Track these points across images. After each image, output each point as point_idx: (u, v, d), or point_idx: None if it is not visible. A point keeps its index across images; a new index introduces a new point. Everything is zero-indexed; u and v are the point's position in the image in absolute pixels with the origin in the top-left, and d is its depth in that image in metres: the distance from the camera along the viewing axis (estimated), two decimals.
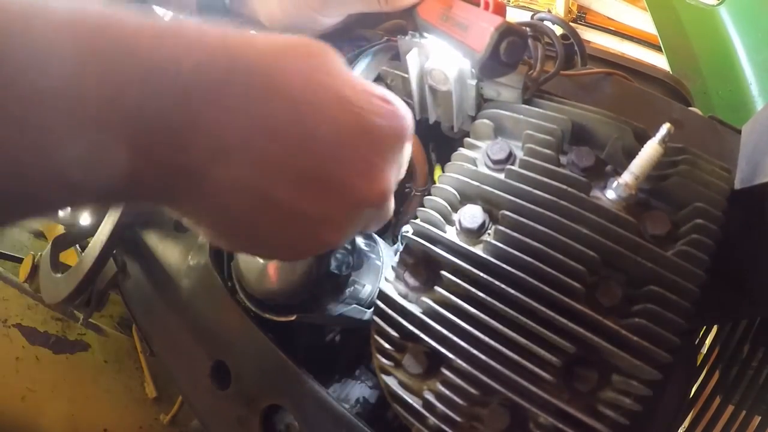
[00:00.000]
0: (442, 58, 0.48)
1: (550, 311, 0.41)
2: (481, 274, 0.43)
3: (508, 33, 0.41)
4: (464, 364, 0.43)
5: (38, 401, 0.96)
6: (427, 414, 0.44)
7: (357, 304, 0.54)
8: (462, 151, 0.50)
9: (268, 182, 0.26)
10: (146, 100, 0.22)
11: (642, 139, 0.43)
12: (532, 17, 0.53)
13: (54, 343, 1.03)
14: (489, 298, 0.42)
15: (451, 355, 0.44)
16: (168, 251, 0.74)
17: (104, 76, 0.21)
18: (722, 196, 0.43)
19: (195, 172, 0.24)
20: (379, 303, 0.48)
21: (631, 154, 0.43)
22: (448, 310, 0.44)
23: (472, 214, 0.46)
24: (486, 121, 0.50)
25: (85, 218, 0.82)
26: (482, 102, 0.52)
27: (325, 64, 0.28)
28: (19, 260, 1.13)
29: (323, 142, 0.27)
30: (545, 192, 0.44)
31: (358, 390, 0.71)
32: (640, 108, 0.54)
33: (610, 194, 0.43)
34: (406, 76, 0.53)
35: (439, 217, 0.47)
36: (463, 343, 0.43)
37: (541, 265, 0.41)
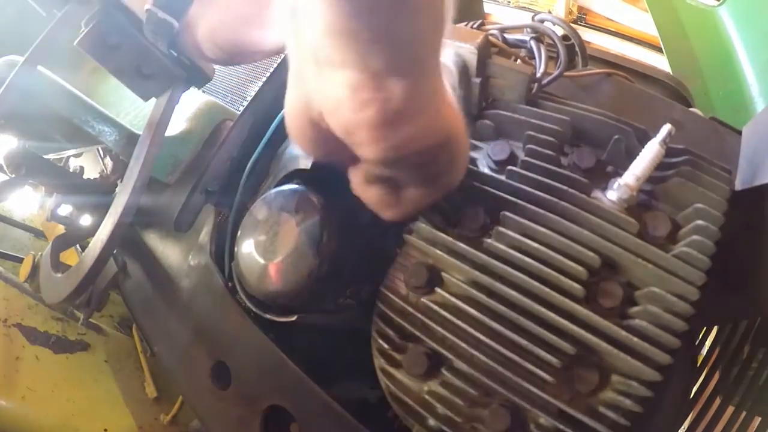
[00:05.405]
0: (447, 54, 0.48)
1: (550, 312, 0.41)
2: (482, 276, 0.43)
3: None
4: (465, 365, 0.43)
5: (38, 401, 0.96)
6: (428, 415, 0.44)
7: (357, 304, 0.54)
8: None
9: None
10: None
11: (643, 140, 0.43)
12: (532, 18, 0.53)
13: (54, 343, 1.03)
14: (489, 300, 0.42)
15: (451, 356, 0.44)
16: (168, 251, 0.74)
17: None
18: (723, 197, 0.43)
19: None
20: (379, 304, 0.48)
21: (632, 155, 0.43)
22: (448, 312, 0.44)
23: (473, 215, 0.46)
24: (487, 121, 0.50)
25: (85, 218, 0.82)
26: (485, 101, 0.52)
27: None
28: (19, 260, 1.13)
29: None
30: (546, 193, 0.44)
31: (358, 390, 0.71)
32: (640, 109, 0.54)
33: (611, 195, 0.43)
34: None
35: (440, 217, 0.47)
36: (463, 345, 0.43)
37: (541, 266, 0.41)
